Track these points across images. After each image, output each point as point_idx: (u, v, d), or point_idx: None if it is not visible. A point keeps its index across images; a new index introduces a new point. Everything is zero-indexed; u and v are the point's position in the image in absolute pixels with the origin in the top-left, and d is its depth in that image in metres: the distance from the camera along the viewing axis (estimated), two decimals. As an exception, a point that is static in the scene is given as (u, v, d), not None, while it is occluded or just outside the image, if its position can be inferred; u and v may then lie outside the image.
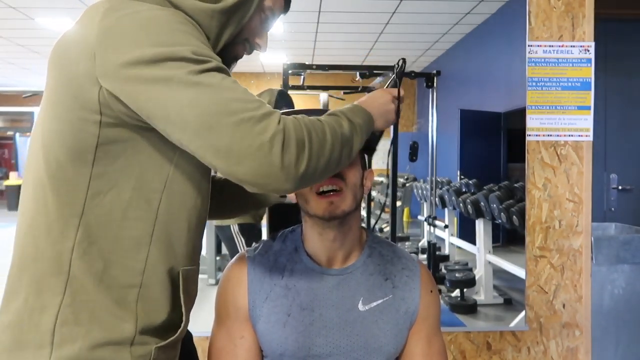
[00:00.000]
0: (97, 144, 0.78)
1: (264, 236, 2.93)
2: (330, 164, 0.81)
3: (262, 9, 0.93)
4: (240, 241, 2.88)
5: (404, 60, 1.15)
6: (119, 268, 0.81)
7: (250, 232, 2.87)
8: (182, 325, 0.87)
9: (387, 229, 4.23)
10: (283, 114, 0.96)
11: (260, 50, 0.98)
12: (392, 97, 1.04)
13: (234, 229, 2.90)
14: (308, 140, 0.77)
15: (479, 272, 3.63)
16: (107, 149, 0.79)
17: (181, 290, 0.85)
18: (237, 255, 1.10)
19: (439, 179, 4.52)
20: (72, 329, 0.78)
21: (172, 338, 0.86)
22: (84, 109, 0.77)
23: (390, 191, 3.56)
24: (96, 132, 0.77)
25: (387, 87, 1.10)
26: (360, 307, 1.04)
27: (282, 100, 2.98)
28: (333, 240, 1.03)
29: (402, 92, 1.07)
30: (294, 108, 3.04)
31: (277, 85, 3.60)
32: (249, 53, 0.99)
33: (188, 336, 1.08)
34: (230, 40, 0.91)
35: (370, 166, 1.19)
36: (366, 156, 1.14)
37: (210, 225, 3.39)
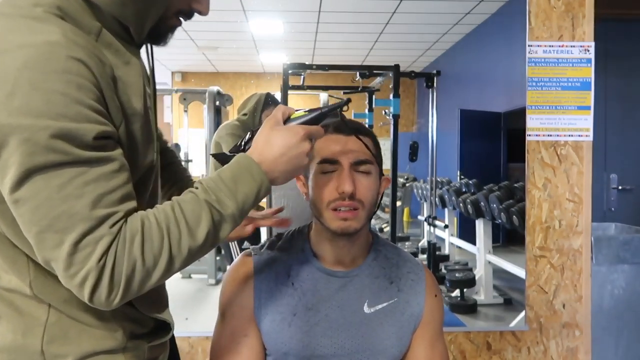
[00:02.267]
0: None
1: (263, 236, 2.93)
2: (164, 279, 0.74)
3: None
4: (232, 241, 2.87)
5: (349, 100, 0.91)
6: None
7: None
8: (172, 327, 0.89)
9: (387, 229, 4.23)
10: (302, 122, 0.84)
11: (201, 15, 0.86)
12: (304, 135, 0.82)
13: None
14: (126, 277, 0.69)
15: (479, 272, 3.63)
16: (1, 209, 0.71)
17: (142, 310, 0.83)
18: (243, 253, 1.10)
19: (439, 179, 4.52)
20: (61, 344, 0.76)
21: (164, 339, 0.87)
22: None
23: (390, 191, 3.56)
24: None
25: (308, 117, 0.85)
26: (366, 309, 1.04)
27: (270, 103, 3.01)
28: (342, 248, 1.04)
29: (322, 132, 0.86)
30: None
31: (277, 86, 3.60)
32: (189, 19, 0.87)
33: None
34: (165, 15, 0.81)
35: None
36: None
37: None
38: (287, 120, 0.84)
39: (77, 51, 0.67)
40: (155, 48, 0.89)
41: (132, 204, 0.72)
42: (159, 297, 0.91)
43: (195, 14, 0.86)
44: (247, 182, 0.78)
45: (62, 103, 0.64)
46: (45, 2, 0.70)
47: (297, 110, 0.86)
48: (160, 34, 0.84)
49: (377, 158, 1.03)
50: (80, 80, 0.66)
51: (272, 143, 0.80)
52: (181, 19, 0.85)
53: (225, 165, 0.80)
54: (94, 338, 0.78)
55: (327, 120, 0.91)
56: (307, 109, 0.86)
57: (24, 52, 0.64)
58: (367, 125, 4.05)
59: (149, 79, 0.86)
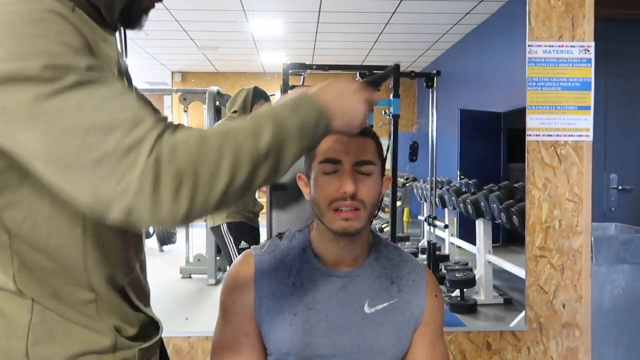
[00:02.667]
0: None
1: (263, 236, 2.93)
2: (232, 192, 0.65)
3: None
4: (229, 239, 2.81)
5: (397, 65, 1.00)
6: (69, 288, 0.74)
7: (239, 231, 2.79)
8: (160, 326, 0.87)
9: (387, 229, 4.23)
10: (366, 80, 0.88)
11: None
12: (360, 86, 0.86)
13: (223, 227, 2.83)
14: (192, 172, 0.61)
15: (479, 272, 3.63)
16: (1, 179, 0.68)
17: (134, 299, 0.82)
18: (244, 252, 1.10)
19: (439, 179, 4.52)
20: (47, 346, 0.73)
21: (154, 339, 0.85)
22: None
23: (390, 191, 3.56)
24: None
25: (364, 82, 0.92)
26: (366, 309, 1.04)
27: (258, 96, 2.93)
28: (343, 248, 1.04)
29: (375, 98, 0.91)
30: (270, 102, 2.98)
31: (277, 86, 3.60)
32: (160, 0, 0.84)
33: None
34: None
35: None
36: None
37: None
38: None
39: (56, 6, 0.65)
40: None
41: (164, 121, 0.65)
42: (142, 290, 0.89)
43: None
44: (308, 108, 0.76)
45: (47, 43, 0.62)
46: None
47: None
48: (132, 16, 0.81)
49: (380, 158, 1.03)
50: (62, 28, 0.63)
51: (330, 86, 0.82)
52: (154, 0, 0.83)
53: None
54: (82, 338, 0.74)
55: None
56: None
57: (2, 11, 0.63)
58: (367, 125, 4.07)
59: (123, 65, 0.84)
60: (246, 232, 2.83)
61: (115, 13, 0.78)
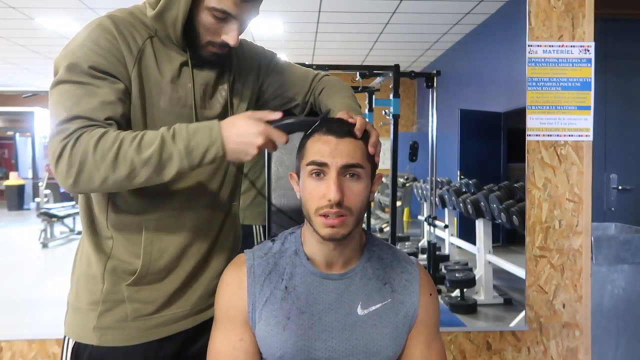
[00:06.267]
0: None
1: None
2: (111, 182, 0.93)
3: (208, 9, 1.01)
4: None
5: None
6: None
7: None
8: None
9: (387, 229, 4.23)
10: (275, 125, 0.99)
11: (229, 45, 1.06)
12: (262, 131, 0.96)
13: (258, 229, 2.74)
14: (79, 161, 0.91)
15: (479, 272, 3.63)
16: None
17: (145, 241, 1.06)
18: (236, 257, 1.09)
19: (439, 179, 4.51)
20: None
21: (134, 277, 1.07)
22: None
23: (390, 191, 3.56)
24: None
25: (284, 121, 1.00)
26: (359, 311, 1.03)
27: None
28: (333, 250, 1.03)
29: (283, 139, 0.98)
30: None
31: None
32: (224, 49, 1.07)
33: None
34: (198, 44, 1.05)
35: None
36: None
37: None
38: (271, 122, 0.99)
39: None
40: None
41: (99, 116, 0.95)
42: None
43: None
44: (205, 135, 0.95)
45: (83, 57, 0.97)
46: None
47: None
48: (203, 59, 1.07)
49: (369, 160, 1.01)
50: (101, 48, 0.98)
51: (236, 124, 0.98)
52: (220, 46, 1.05)
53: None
54: None
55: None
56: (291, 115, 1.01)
57: (90, 27, 1.02)
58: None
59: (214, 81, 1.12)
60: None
61: (172, 38, 1.05)
